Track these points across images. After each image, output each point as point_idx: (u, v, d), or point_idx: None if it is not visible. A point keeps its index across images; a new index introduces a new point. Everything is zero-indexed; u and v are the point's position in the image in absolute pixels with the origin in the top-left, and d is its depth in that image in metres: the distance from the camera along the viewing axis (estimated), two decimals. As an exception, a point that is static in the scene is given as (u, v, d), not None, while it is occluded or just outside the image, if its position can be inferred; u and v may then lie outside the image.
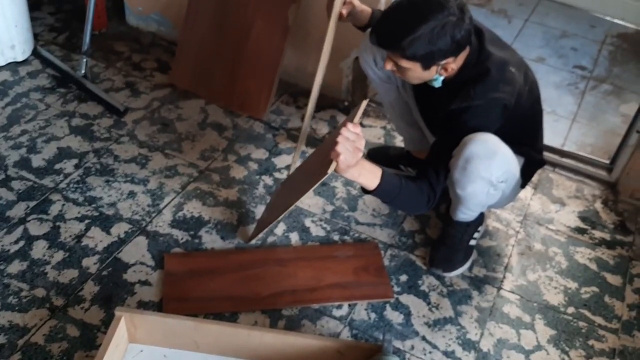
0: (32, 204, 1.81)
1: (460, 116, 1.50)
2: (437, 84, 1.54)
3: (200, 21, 2.23)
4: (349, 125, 1.33)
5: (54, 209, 1.79)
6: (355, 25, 1.76)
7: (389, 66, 1.52)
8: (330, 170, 1.31)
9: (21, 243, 1.69)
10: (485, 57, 1.51)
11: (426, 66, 1.47)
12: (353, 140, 1.31)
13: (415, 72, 1.50)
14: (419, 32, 1.40)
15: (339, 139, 1.31)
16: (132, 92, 2.26)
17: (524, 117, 1.64)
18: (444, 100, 1.54)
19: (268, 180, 1.97)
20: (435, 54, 1.44)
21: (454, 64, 1.49)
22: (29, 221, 1.75)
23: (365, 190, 1.44)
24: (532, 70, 1.64)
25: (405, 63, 1.47)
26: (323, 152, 1.54)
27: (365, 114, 2.28)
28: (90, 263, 1.66)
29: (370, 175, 1.41)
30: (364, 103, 1.47)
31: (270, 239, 1.78)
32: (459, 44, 1.45)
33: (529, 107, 1.64)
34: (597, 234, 1.92)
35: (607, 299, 1.73)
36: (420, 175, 1.54)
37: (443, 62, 1.47)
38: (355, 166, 1.35)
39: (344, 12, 1.65)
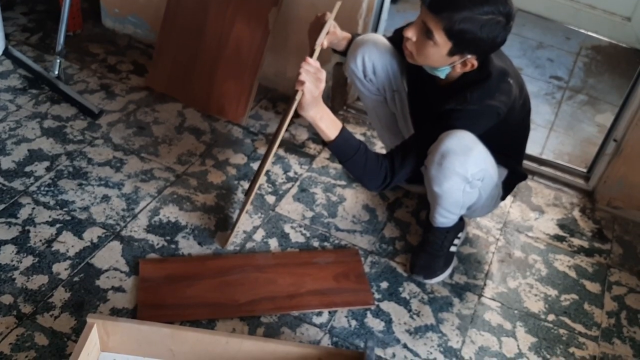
0: (0, 207, 1.74)
1: (450, 115, 1.49)
2: (442, 75, 1.51)
3: (178, 23, 2.19)
4: (308, 60, 1.37)
5: (24, 213, 1.73)
6: (335, 50, 1.76)
7: (411, 33, 1.46)
8: (298, 97, 1.36)
9: (-12, 248, 1.62)
10: (487, 65, 1.50)
11: (454, 52, 1.43)
12: (314, 72, 1.36)
13: (438, 53, 1.44)
14: (476, 13, 1.36)
15: (301, 70, 1.36)
16: (107, 94, 2.21)
17: (514, 129, 1.64)
18: (439, 102, 1.52)
19: (246, 185, 1.93)
20: (473, 42, 1.40)
21: (475, 61, 1.47)
22: (-4, 225, 1.69)
23: (323, 142, 1.47)
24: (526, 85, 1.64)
25: (440, 37, 1.41)
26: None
27: (345, 120, 2.26)
28: (61, 269, 1.60)
29: (331, 124, 1.44)
30: (320, 45, 1.51)
31: (249, 245, 1.74)
32: (493, 47, 1.43)
33: (520, 120, 1.64)
34: (576, 241, 1.93)
35: (586, 306, 1.73)
36: (388, 154, 1.54)
37: (470, 56, 1.45)
38: (317, 107, 1.39)
39: (326, 43, 1.62)
